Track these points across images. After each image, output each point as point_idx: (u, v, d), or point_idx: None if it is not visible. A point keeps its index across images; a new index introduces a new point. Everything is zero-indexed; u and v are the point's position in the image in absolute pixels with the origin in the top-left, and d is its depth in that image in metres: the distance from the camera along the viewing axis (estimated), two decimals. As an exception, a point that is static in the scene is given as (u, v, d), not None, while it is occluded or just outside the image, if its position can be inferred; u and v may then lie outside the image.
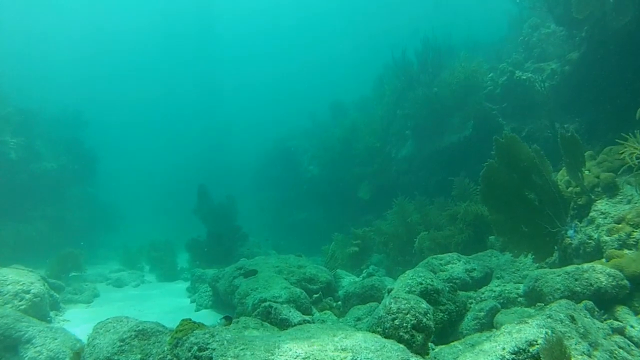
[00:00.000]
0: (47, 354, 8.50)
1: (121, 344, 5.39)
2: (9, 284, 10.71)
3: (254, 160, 36.35)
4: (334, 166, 25.71)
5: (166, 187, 48.76)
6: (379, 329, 5.97)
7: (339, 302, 11.88)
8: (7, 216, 22.66)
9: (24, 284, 10.87)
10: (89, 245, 25.87)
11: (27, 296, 10.69)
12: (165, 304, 14.31)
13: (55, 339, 8.80)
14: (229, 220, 18.42)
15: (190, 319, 5.25)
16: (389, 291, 9.03)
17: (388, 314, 5.96)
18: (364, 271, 16.79)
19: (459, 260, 10.33)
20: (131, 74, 60.56)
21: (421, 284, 8.47)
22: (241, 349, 4.47)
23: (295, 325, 7.42)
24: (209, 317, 12.14)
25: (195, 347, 4.65)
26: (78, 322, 11.76)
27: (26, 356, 8.48)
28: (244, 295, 10.78)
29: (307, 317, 7.85)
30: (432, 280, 8.59)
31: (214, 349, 4.58)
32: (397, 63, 23.30)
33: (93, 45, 55.07)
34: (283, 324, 7.39)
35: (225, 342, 4.66)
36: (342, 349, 4.42)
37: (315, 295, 11.37)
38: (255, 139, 41.23)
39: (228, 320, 6.60)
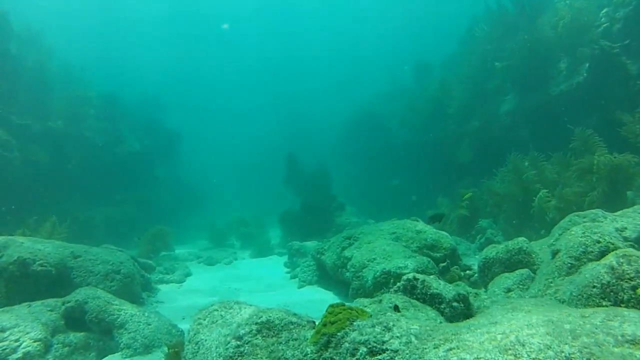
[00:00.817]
0: (142, 341, 7.18)
1: (238, 343, 3.67)
2: (99, 264, 9.50)
3: (338, 128, 34.43)
4: (426, 129, 23.42)
5: (249, 163, 47.91)
6: (603, 301, 3.97)
7: (467, 272, 9.88)
8: (96, 200, 22.19)
9: (113, 263, 9.64)
10: (176, 225, 25.23)
11: (118, 277, 9.44)
12: (264, 280, 12.86)
13: (149, 325, 7.47)
14: (323, 190, 16.76)
15: (342, 304, 3.41)
16: (555, 253, 7.00)
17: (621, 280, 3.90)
18: (477, 237, 14.70)
19: (605, 218, 8.24)
20: (209, 48, 59.49)
21: (598, 242, 6.39)
22: (448, 351, 2.56)
23: (449, 301, 5.52)
24: (315, 293, 10.49)
25: (364, 349, 2.82)
26: (172, 303, 10.46)
27: (121, 342, 7.23)
28: (359, 267, 9.00)
29: (460, 291, 5.88)
30: (611, 238, 6.49)
31: (396, 351, 2.73)
32: (491, 11, 20.59)
33: (170, 25, 54.38)
34: (434, 301, 5.49)
35: (412, 337, 2.79)
36: None
37: (442, 264, 9.38)
38: (337, 107, 39.23)
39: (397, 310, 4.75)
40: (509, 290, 7.54)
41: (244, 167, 47.50)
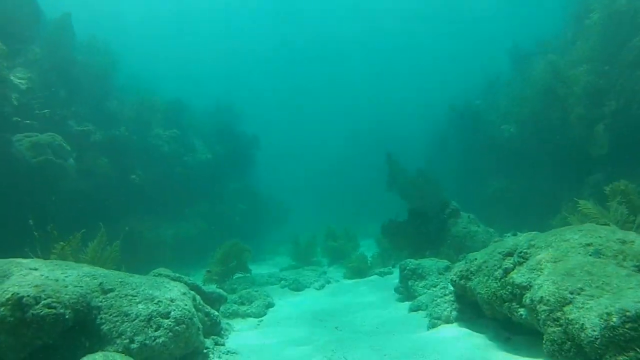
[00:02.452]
0: None
1: None
2: (139, 302, 6.22)
3: (428, 129, 30.27)
4: (537, 121, 19.02)
5: (333, 170, 43.64)
6: None
7: None
8: (165, 214, 19.53)
9: (160, 302, 6.32)
10: (253, 242, 22.21)
11: (166, 322, 6.09)
12: (372, 314, 9.19)
13: None
14: (432, 193, 12.90)
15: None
16: None
17: None
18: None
19: None
20: (286, 61, 56.63)
21: None
22: None
23: None
24: (461, 339, 6.68)
25: None
26: (250, 355, 7.02)
27: None
28: (556, 303, 5.18)
29: None
30: None
31: None
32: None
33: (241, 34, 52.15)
34: None
35: None
36: None
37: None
38: (424, 107, 35.12)
39: None
40: None
41: (328, 175, 43.44)
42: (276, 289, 12.51)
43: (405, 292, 10.14)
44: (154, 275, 8.22)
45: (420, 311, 8.66)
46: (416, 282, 9.88)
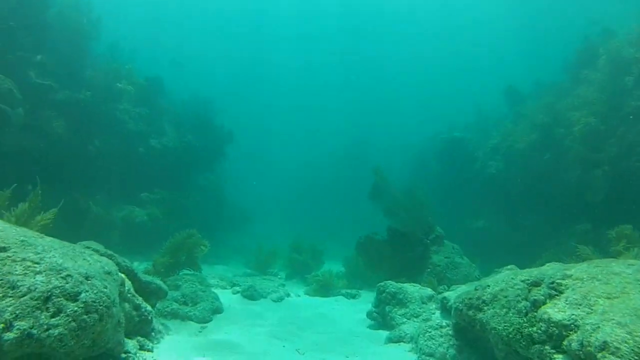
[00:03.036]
0: None
1: None
2: (39, 272, 4.34)
3: (411, 158, 28.87)
4: (527, 161, 17.95)
5: (302, 187, 41.27)
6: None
7: None
8: (118, 195, 17.45)
9: (69, 277, 4.46)
10: (211, 243, 20.24)
11: (72, 306, 4.24)
12: (341, 339, 7.45)
13: None
14: (418, 215, 11.25)
15: None
16: None
17: None
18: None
19: None
20: (278, 54, 54.61)
21: None
22: None
23: None
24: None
25: None
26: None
27: None
28: (632, 356, 3.58)
29: None
30: None
31: None
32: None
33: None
34: None
35: None
36: None
37: None
38: (408, 136, 33.83)
39: None
40: None
41: (300, 192, 41.02)
42: (227, 294, 10.62)
43: (381, 319, 8.46)
44: (81, 245, 6.31)
45: (402, 343, 6.99)
46: (395, 309, 8.21)
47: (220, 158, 22.64)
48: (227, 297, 10.17)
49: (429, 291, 8.88)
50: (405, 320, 7.83)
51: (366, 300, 10.81)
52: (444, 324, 6.14)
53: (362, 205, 29.80)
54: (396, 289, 8.49)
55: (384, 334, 7.70)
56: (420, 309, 8.12)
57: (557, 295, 4.85)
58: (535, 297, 4.92)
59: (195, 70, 40.64)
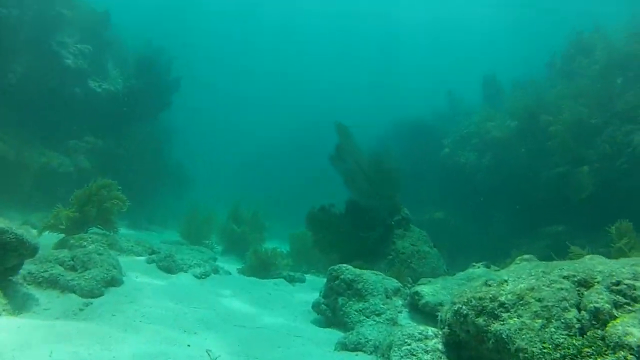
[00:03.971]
0: None
1: None
2: None
3: (369, 141, 26.75)
4: (502, 152, 16.33)
5: (254, 155, 38.04)
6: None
7: None
8: (40, 137, 14.66)
9: None
10: (143, 204, 17.68)
11: None
12: (272, 337, 5.30)
13: None
14: (384, 190, 9.14)
15: None
16: None
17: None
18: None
19: None
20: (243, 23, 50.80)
21: None
22: None
23: None
24: None
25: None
26: None
27: None
28: None
29: None
30: None
31: None
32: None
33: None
34: None
35: None
36: None
37: None
38: (374, 119, 31.67)
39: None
40: None
41: (243, 160, 38.01)
42: (139, 262, 8.26)
43: (330, 314, 6.37)
44: None
45: (361, 353, 4.91)
46: (350, 302, 6.16)
47: (165, 108, 19.90)
48: (137, 266, 7.83)
49: (394, 282, 6.89)
50: (364, 318, 5.80)
51: (313, 288, 8.74)
52: (429, 333, 4.07)
53: (318, 185, 27.70)
54: (354, 276, 6.42)
55: (335, 334, 5.65)
56: (383, 304, 6.11)
57: (630, 305, 2.87)
58: (597, 305, 2.93)
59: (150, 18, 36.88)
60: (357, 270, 6.59)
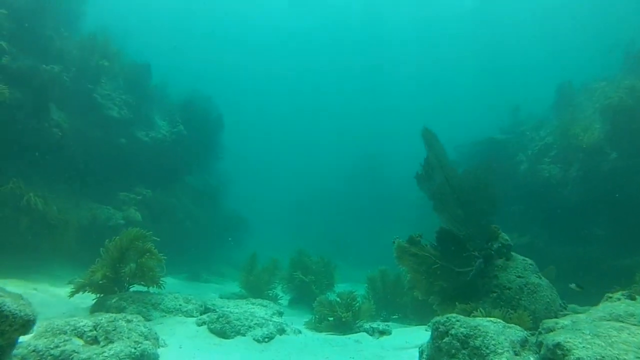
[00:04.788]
0: None
1: None
2: None
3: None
4: (592, 160, 13.98)
5: (308, 199, 35.62)
6: None
7: None
8: (93, 194, 13.71)
9: None
10: (200, 256, 16.35)
11: None
12: None
13: None
14: (483, 210, 7.08)
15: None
16: None
17: None
18: None
19: None
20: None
21: None
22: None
23: None
24: None
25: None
26: None
27: None
28: None
29: None
30: None
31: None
32: None
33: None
34: None
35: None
36: None
37: None
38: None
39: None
40: None
41: (307, 200, 35.50)
42: (188, 324, 6.59)
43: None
44: None
45: None
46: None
47: (214, 155, 18.76)
48: (184, 329, 6.17)
49: (518, 331, 4.85)
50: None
51: (401, 340, 6.75)
52: None
53: (377, 222, 25.62)
54: (469, 330, 4.47)
55: None
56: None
57: None
58: None
59: (195, 72, 36.84)
60: (472, 321, 4.63)
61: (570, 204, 14.14)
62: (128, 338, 4.64)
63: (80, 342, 4.66)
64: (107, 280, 7.26)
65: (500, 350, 4.44)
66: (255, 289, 11.00)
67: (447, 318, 4.82)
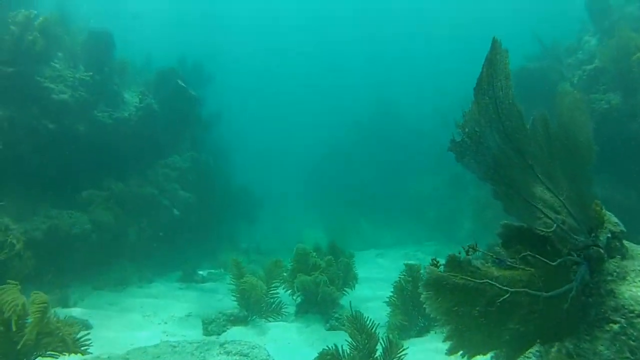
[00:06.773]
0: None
1: None
2: None
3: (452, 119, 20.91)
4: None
5: (322, 164, 30.67)
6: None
7: None
8: (47, 197, 11.05)
9: None
10: (199, 247, 13.89)
11: None
12: None
13: None
14: (573, 190, 4.00)
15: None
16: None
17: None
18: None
19: None
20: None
21: None
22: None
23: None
24: None
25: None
26: None
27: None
28: None
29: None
30: None
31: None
32: None
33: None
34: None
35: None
36: None
37: None
38: (443, 96, 25.81)
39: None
40: None
41: (310, 178, 29.08)
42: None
43: None
44: None
45: None
46: None
47: (200, 125, 15.87)
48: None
49: None
50: None
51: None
52: None
53: (401, 173, 22.58)
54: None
55: None
56: None
57: None
58: None
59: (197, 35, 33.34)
60: None
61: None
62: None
63: None
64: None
65: None
66: (252, 306, 8.25)
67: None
